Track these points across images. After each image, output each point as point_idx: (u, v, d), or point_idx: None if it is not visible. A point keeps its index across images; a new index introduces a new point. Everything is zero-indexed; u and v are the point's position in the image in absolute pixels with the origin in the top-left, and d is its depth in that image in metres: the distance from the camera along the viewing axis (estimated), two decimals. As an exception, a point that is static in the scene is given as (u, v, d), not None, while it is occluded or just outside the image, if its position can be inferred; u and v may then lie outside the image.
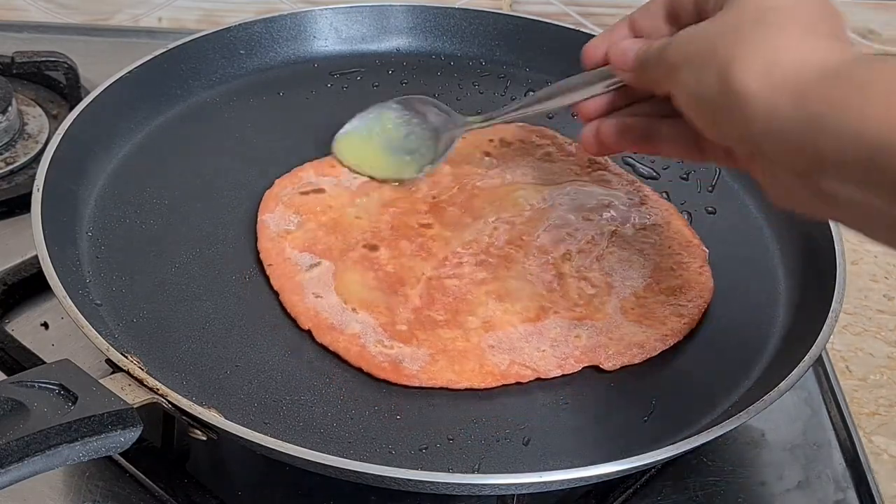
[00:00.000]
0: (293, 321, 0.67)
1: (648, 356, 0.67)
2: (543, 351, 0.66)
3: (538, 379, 0.65)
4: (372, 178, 0.78)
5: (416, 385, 0.64)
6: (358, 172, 0.78)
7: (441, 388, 0.64)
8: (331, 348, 0.65)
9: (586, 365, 0.66)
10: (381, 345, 0.65)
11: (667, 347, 0.68)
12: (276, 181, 0.77)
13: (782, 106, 0.49)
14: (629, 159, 0.84)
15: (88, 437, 0.51)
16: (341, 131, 0.80)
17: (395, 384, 0.64)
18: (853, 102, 0.46)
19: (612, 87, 0.65)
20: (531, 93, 0.90)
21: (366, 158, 0.78)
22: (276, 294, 0.69)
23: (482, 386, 0.64)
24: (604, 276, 0.72)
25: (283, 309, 0.68)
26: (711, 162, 0.63)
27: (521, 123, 0.86)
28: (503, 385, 0.64)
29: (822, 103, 0.47)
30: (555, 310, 0.69)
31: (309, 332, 0.67)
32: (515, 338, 0.67)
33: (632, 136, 0.65)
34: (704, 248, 0.75)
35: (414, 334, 0.66)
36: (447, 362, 0.65)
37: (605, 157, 0.82)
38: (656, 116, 0.64)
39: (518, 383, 0.65)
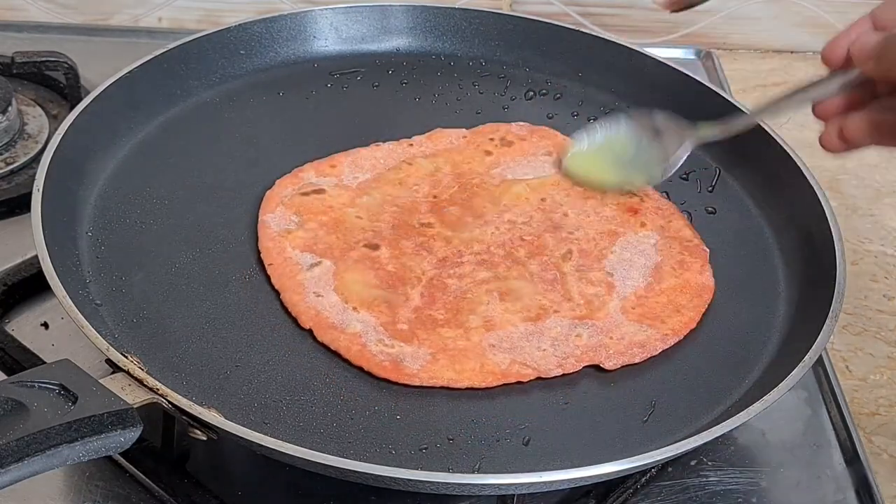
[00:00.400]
0: (294, 321, 0.67)
1: (649, 355, 0.67)
2: (544, 350, 0.66)
3: (539, 378, 0.65)
4: (603, 190, 0.78)
5: (417, 384, 0.64)
6: (587, 186, 0.78)
7: (441, 388, 0.64)
8: (332, 347, 0.65)
9: (587, 364, 0.66)
10: (381, 344, 0.65)
11: (667, 347, 0.68)
12: (277, 181, 0.77)
13: None
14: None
15: (88, 437, 0.51)
16: (571, 147, 0.78)
17: (396, 384, 0.64)
18: None
19: (848, 85, 0.64)
20: (530, 93, 0.90)
21: (596, 173, 0.77)
22: (277, 294, 0.69)
23: (483, 385, 0.64)
24: (604, 275, 0.72)
25: (284, 308, 0.68)
26: None
27: (521, 123, 0.86)
28: (504, 384, 0.64)
29: None
30: (555, 309, 0.69)
31: (310, 332, 0.67)
32: (516, 337, 0.67)
33: (879, 132, 0.63)
34: (705, 248, 0.75)
35: (415, 333, 0.66)
36: (448, 361, 0.65)
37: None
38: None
39: (519, 383, 0.65)
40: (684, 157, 0.73)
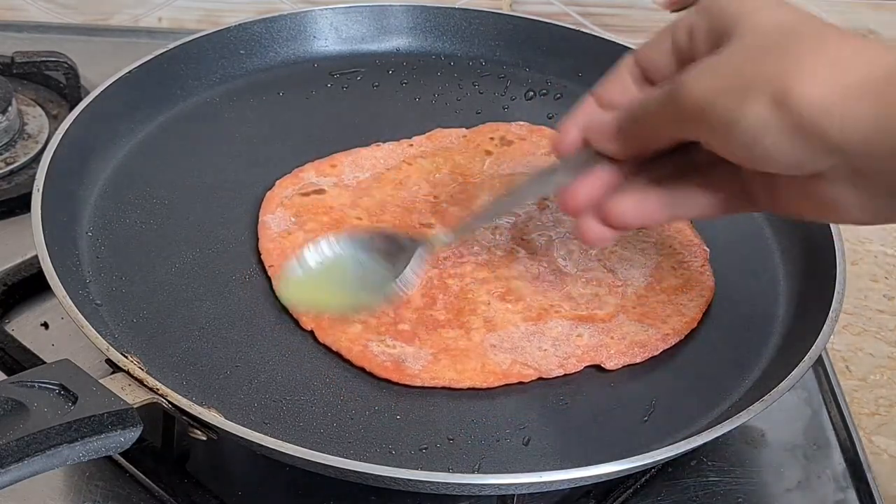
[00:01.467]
0: (294, 321, 0.67)
1: (650, 355, 0.67)
2: (545, 350, 0.66)
3: (540, 379, 0.65)
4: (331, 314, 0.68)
5: (419, 385, 0.64)
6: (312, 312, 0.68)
7: (442, 388, 0.64)
8: (333, 348, 0.65)
9: (588, 364, 0.66)
10: (383, 344, 0.65)
11: (668, 346, 0.68)
12: (277, 182, 0.77)
13: (861, 111, 0.46)
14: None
15: (88, 437, 0.51)
16: (287, 276, 0.68)
17: (396, 384, 0.64)
18: None
19: (591, 168, 0.58)
20: (530, 93, 0.90)
21: (319, 298, 0.68)
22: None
23: (484, 385, 0.64)
24: (605, 274, 0.72)
25: (285, 309, 0.68)
26: (766, 209, 0.57)
27: (521, 123, 0.86)
28: (505, 385, 0.64)
29: None
30: (556, 309, 0.69)
31: (310, 333, 0.67)
32: (517, 337, 0.67)
33: (646, 208, 0.58)
34: (705, 247, 0.75)
35: (416, 334, 0.66)
36: (449, 362, 0.65)
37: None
38: (661, 179, 0.58)
39: (520, 383, 0.65)
40: (420, 269, 0.66)
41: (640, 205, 0.58)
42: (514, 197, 0.67)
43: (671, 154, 0.56)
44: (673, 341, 0.68)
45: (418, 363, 0.64)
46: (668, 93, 0.52)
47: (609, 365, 0.66)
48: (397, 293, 0.65)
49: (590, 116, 0.59)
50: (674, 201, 0.58)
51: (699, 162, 0.56)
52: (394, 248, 0.67)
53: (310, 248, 0.67)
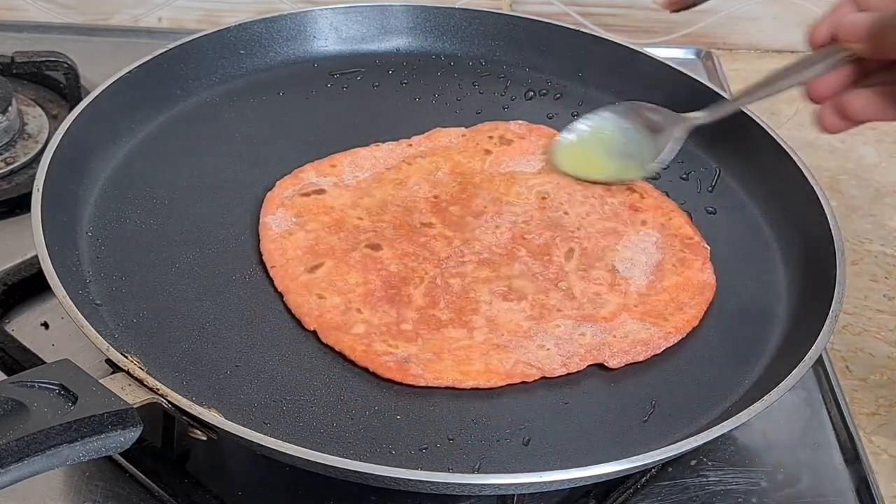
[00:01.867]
0: (294, 321, 0.67)
1: (652, 353, 0.67)
2: (548, 350, 0.66)
3: (542, 378, 0.65)
4: (596, 181, 0.78)
5: (423, 385, 0.64)
6: (579, 178, 0.79)
7: (445, 388, 0.64)
8: (336, 349, 0.65)
9: (591, 363, 0.66)
10: (386, 344, 0.65)
11: (670, 345, 0.68)
12: (277, 183, 0.77)
13: None
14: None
15: (88, 437, 0.51)
16: (559, 140, 0.80)
17: (398, 384, 0.64)
18: None
19: (836, 65, 0.65)
20: (530, 93, 0.90)
21: (587, 164, 0.79)
22: (278, 294, 0.69)
23: (488, 386, 0.64)
24: (606, 273, 0.72)
25: (285, 309, 0.68)
26: None
27: (520, 122, 0.86)
28: (507, 384, 0.64)
29: None
30: (558, 308, 0.69)
31: (310, 333, 0.67)
32: (520, 336, 0.67)
33: (877, 105, 0.64)
34: (706, 245, 0.75)
35: (419, 334, 0.66)
36: (453, 362, 0.65)
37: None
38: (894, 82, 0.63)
39: (523, 382, 0.65)
40: (677, 148, 0.75)
41: (872, 102, 0.64)
42: (769, 83, 0.72)
43: None
44: (675, 339, 0.68)
45: (421, 363, 0.64)
46: None
47: (612, 364, 0.66)
48: (657, 168, 0.77)
49: (844, 16, 0.63)
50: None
51: None
52: (654, 120, 0.76)
53: (581, 118, 0.80)
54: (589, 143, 0.80)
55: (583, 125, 0.80)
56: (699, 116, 0.78)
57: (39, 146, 0.88)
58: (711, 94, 0.86)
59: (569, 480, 0.56)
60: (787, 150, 0.78)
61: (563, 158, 0.80)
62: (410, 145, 0.82)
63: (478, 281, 0.70)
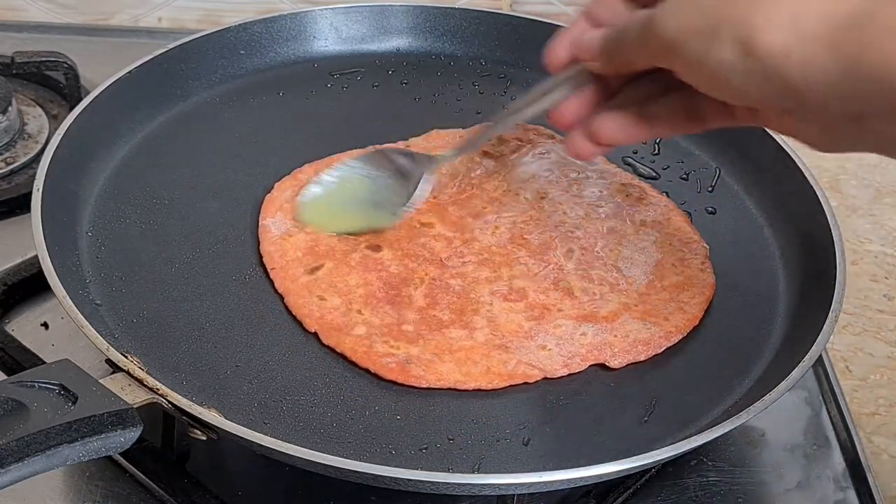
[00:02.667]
0: (294, 322, 0.67)
1: (654, 353, 0.67)
2: (549, 350, 0.66)
3: (544, 378, 0.65)
4: (348, 234, 0.73)
5: (425, 386, 0.64)
6: (329, 232, 0.73)
7: (448, 389, 0.64)
8: (337, 350, 0.65)
9: (592, 363, 0.66)
10: (387, 345, 0.65)
11: (671, 344, 0.68)
12: (276, 184, 0.77)
13: (819, 56, 0.48)
14: (629, 160, 0.84)
15: (88, 437, 0.51)
16: (303, 197, 0.75)
17: (398, 384, 0.64)
18: (886, 45, 0.46)
19: (580, 85, 0.63)
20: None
21: (334, 218, 0.74)
22: (278, 295, 0.69)
23: (490, 387, 0.64)
24: (606, 273, 0.72)
25: (285, 310, 0.68)
26: (713, 127, 0.61)
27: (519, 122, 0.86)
28: (509, 385, 0.64)
29: (857, 48, 0.47)
30: (559, 308, 0.69)
31: (310, 333, 0.67)
32: (521, 337, 0.67)
33: (627, 127, 0.62)
34: (705, 244, 0.75)
35: (420, 334, 0.66)
36: (454, 363, 0.65)
37: (601, 156, 0.83)
38: (641, 100, 0.62)
39: (524, 383, 0.65)
40: (429, 189, 0.73)
41: (622, 123, 0.62)
42: (512, 113, 0.70)
43: (653, 73, 0.59)
44: (675, 339, 0.68)
45: (423, 364, 0.64)
46: (643, 25, 0.55)
47: (613, 364, 0.66)
48: (408, 213, 0.73)
49: (580, 34, 0.62)
50: (654, 120, 0.62)
51: (677, 82, 0.58)
52: (402, 164, 0.73)
53: (326, 170, 0.75)
54: (334, 195, 0.75)
55: (329, 177, 0.76)
56: (446, 156, 0.75)
57: (39, 146, 0.89)
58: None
59: (569, 480, 0.56)
60: (787, 149, 0.78)
61: (309, 214, 0.74)
62: (408, 146, 0.82)
63: (478, 281, 0.70)
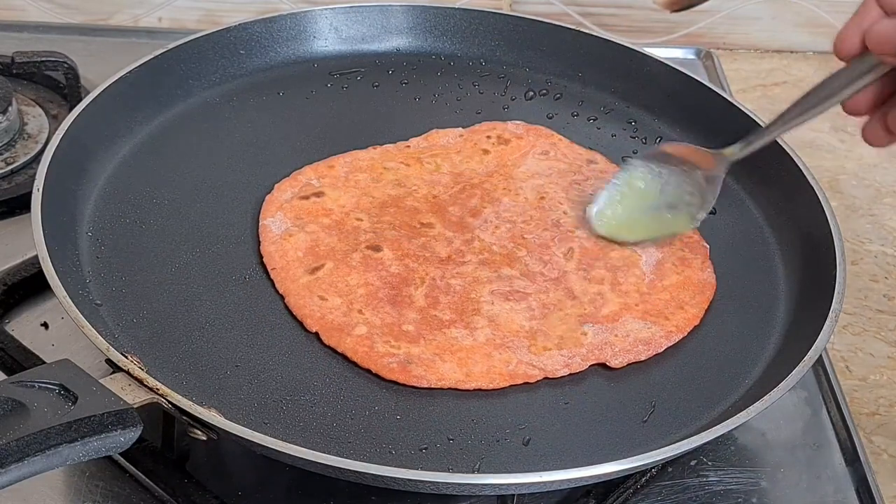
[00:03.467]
0: (294, 322, 0.67)
1: (654, 353, 0.67)
2: (550, 350, 0.66)
3: (545, 378, 0.65)
4: (646, 241, 0.73)
5: (426, 386, 0.64)
6: (629, 240, 0.73)
7: (447, 388, 0.64)
8: (338, 350, 0.65)
9: (593, 363, 0.66)
10: (388, 345, 0.65)
11: (671, 344, 0.68)
12: (276, 185, 0.77)
13: None
14: (629, 160, 0.84)
15: (88, 437, 0.51)
16: (596, 208, 0.74)
17: (398, 384, 0.64)
18: None
19: (873, 79, 0.61)
20: (530, 93, 0.90)
21: (633, 227, 0.73)
22: (279, 295, 0.69)
23: (491, 387, 0.64)
24: (607, 272, 0.72)
25: (285, 310, 0.68)
26: None
27: (517, 122, 0.86)
28: (510, 385, 0.64)
29: None
30: (560, 307, 0.69)
31: (310, 333, 0.67)
32: (522, 336, 0.67)
33: None
34: (705, 244, 0.75)
35: (421, 334, 0.66)
36: (455, 363, 0.65)
37: (601, 155, 0.83)
38: None
39: (525, 383, 0.65)
40: (719, 189, 0.71)
41: None
42: (804, 107, 0.67)
43: None
44: (676, 338, 0.68)
45: (424, 364, 0.64)
46: None
47: (614, 363, 0.66)
48: (704, 216, 0.72)
49: (872, 21, 0.59)
50: None
51: None
52: (693, 164, 0.71)
53: (614, 174, 0.74)
54: (629, 201, 0.74)
55: (618, 181, 0.74)
56: (734, 152, 0.72)
57: (39, 146, 0.88)
58: (711, 94, 0.86)
59: (569, 480, 0.56)
60: (787, 150, 0.78)
61: (607, 225, 0.74)
62: (408, 146, 0.83)
63: (479, 281, 0.70)
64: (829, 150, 1.02)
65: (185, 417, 0.56)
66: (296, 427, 0.60)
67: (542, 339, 0.67)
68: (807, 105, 0.67)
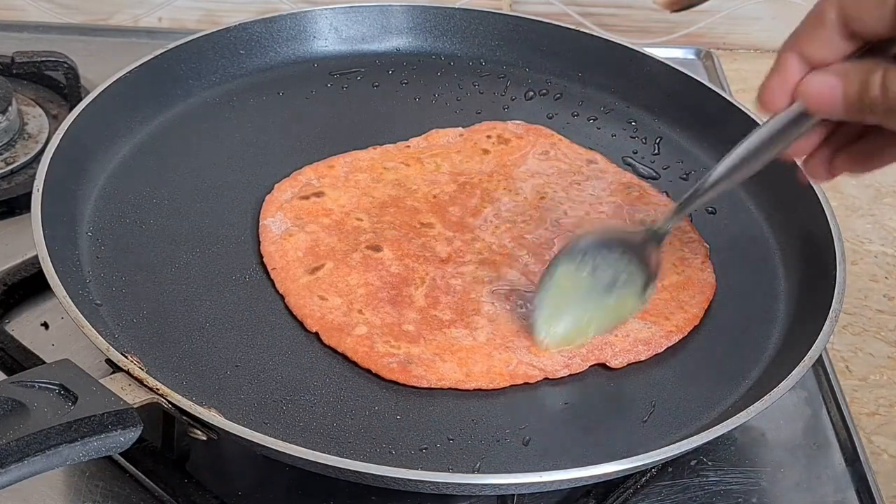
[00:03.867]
0: (294, 322, 0.67)
1: (654, 353, 0.67)
2: (550, 350, 0.66)
3: (545, 378, 0.65)
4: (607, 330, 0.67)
5: (426, 386, 0.64)
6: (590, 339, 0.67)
7: (448, 389, 0.64)
8: (338, 350, 0.65)
9: (593, 363, 0.66)
10: (388, 345, 0.65)
11: (671, 344, 0.68)
12: (276, 185, 0.77)
13: None
14: (629, 160, 0.84)
15: (88, 437, 0.51)
16: (539, 321, 0.66)
17: (398, 384, 0.64)
18: None
19: (804, 126, 0.58)
20: (530, 93, 0.90)
21: (584, 328, 0.66)
22: (279, 295, 0.69)
23: (491, 387, 0.64)
24: (606, 273, 0.72)
25: (285, 309, 0.68)
26: None
27: (518, 121, 0.86)
28: (510, 385, 0.64)
29: None
30: (559, 308, 0.69)
31: (310, 333, 0.67)
32: (522, 337, 0.67)
33: (859, 164, 0.60)
34: (705, 244, 0.75)
35: (421, 334, 0.66)
36: (456, 363, 0.65)
37: (601, 155, 0.83)
38: (857, 136, 0.59)
39: (525, 383, 0.65)
40: (659, 257, 0.67)
41: (854, 160, 0.59)
42: (735, 169, 0.63)
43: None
44: (676, 338, 0.68)
45: (424, 364, 0.64)
46: None
47: (614, 363, 0.66)
48: (652, 292, 0.67)
49: (798, 76, 0.57)
50: (873, 158, 0.59)
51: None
52: (628, 242, 0.67)
53: (552, 266, 0.66)
54: (565, 305, 0.66)
55: (546, 290, 0.67)
56: (666, 221, 0.67)
57: (39, 146, 0.88)
58: (711, 95, 0.86)
59: (569, 480, 0.56)
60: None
61: (555, 340, 0.66)
62: (408, 146, 0.82)
63: (479, 281, 0.70)
64: (829, 150, 1.01)
65: (185, 417, 0.56)
66: (296, 427, 0.60)
67: (542, 340, 0.67)
68: (741, 164, 0.62)
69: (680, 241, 0.75)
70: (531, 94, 0.91)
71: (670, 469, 0.66)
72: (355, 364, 0.65)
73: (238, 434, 0.55)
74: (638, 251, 0.67)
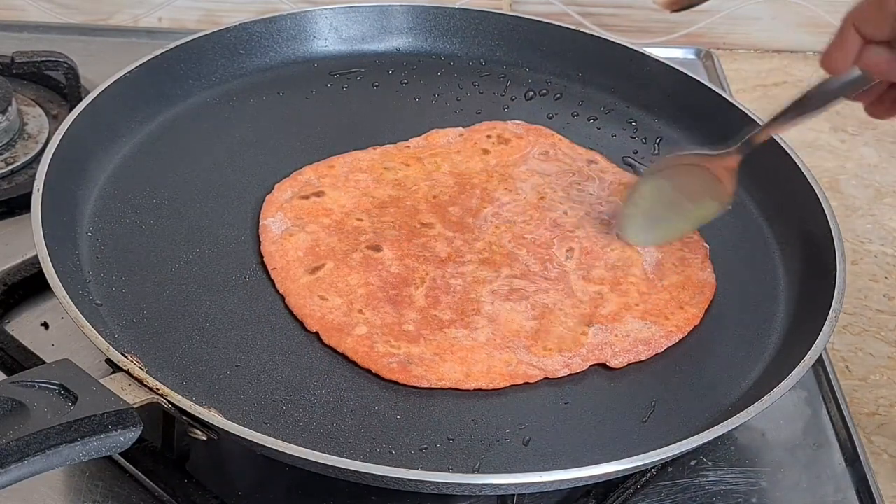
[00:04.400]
0: (294, 322, 0.67)
1: (654, 353, 0.67)
2: (550, 350, 0.66)
3: (545, 378, 0.65)
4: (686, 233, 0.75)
5: (426, 386, 0.64)
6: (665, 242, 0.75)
7: (448, 388, 0.64)
8: (338, 350, 0.65)
9: (593, 363, 0.66)
10: (388, 345, 0.65)
11: (671, 344, 0.68)
12: (276, 185, 0.77)
13: None
14: (629, 160, 0.84)
15: (88, 437, 0.51)
16: (630, 230, 0.75)
17: (398, 384, 0.64)
18: None
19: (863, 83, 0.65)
20: (530, 93, 0.90)
21: (666, 229, 0.75)
22: (279, 295, 0.69)
23: (491, 386, 0.64)
24: (607, 272, 0.72)
25: (286, 309, 0.68)
26: None
27: (517, 121, 0.86)
28: (510, 385, 0.64)
29: None
30: (560, 307, 0.69)
31: (310, 333, 0.67)
32: (522, 336, 0.67)
33: None
34: (705, 244, 0.75)
35: (421, 334, 0.66)
36: (456, 363, 0.65)
37: (601, 155, 0.83)
38: None
39: (525, 383, 0.65)
40: (735, 178, 0.71)
41: None
42: (802, 108, 0.69)
43: None
44: (676, 338, 0.68)
45: (424, 364, 0.64)
46: None
47: (614, 363, 0.66)
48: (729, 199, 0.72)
49: (857, 47, 0.62)
50: None
51: None
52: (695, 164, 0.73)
53: (634, 188, 0.75)
54: (653, 206, 0.75)
55: (640, 189, 0.75)
56: (740, 146, 0.72)
57: (39, 146, 0.88)
58: (711, 94, 0.86)
59: (569, 480, 0.56)
60: (787, 150, 0.78)
61: (635, 232, 0.75)
62: (408, 146, 0.83)
63: (479, 281, 0.70)
64: (829, 150, 1.02)
65: (185, 417, 0.56)
66: (296, 427, 0.60)
67: (542, 340, 0.67)
68: (808, 105, 0.68)
69: (680, 241, 0.75)
70: (531, 94, 0.91)
71: (670, 469, 0.66)
72: (355, 364, 0.65)
73: (238, 434, 0.55)
74: (719, 171, 0.72)
